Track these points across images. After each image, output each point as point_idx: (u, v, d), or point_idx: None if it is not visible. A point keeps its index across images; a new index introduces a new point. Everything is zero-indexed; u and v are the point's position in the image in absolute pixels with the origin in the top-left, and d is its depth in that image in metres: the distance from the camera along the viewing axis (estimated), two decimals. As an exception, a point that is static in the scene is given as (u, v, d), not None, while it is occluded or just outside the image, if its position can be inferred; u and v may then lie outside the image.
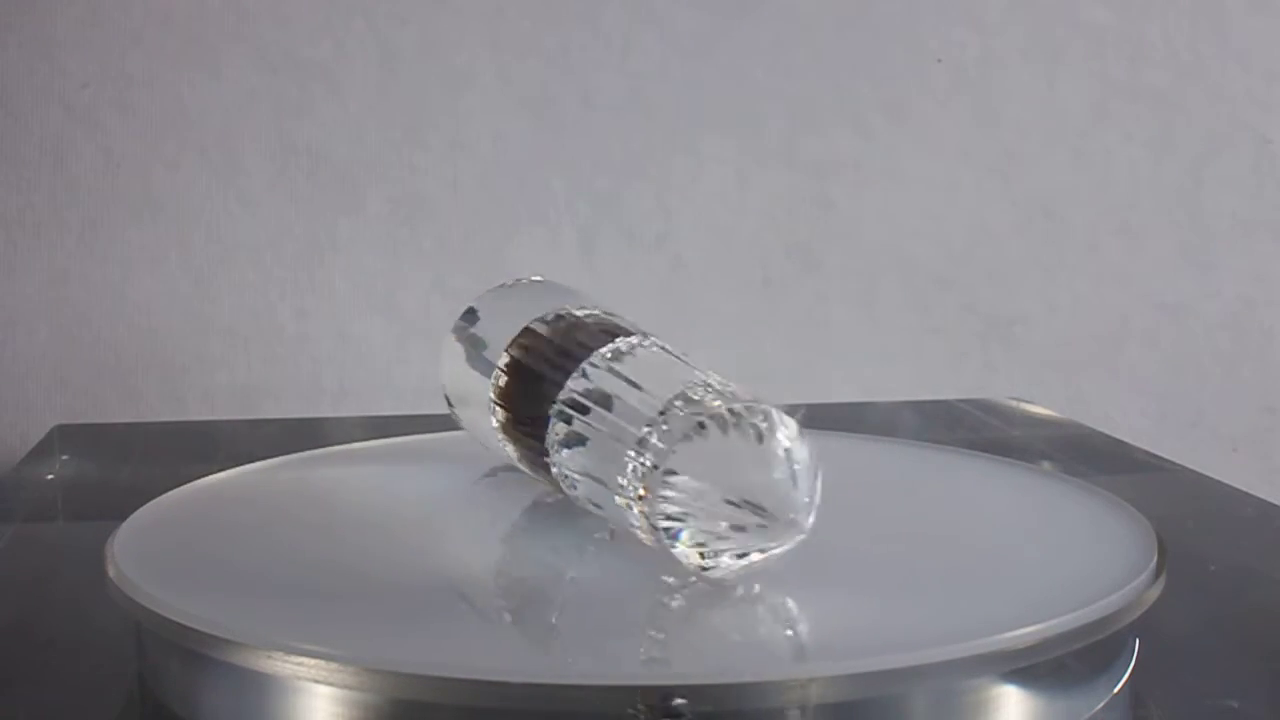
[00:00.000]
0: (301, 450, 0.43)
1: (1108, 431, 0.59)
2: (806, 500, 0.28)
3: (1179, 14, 0.71)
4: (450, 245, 0.68)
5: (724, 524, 0.28)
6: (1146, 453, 0.54)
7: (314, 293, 0.67)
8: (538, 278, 0.40)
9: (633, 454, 0.29)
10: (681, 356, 0.33)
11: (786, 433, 0.29)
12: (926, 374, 0.71)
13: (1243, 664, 0.32)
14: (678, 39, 0.69)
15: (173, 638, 0.27)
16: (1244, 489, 0.48)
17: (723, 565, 0.28)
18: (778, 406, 0.29)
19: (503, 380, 0.36)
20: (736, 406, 0.29)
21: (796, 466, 0.28)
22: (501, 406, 0.36)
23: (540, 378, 0.35)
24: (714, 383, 0.31)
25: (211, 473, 0.40)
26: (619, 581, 0.30)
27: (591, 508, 0.32)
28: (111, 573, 0.30)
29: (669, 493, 0.28)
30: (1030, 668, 0.26)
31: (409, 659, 0.25)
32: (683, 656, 0.26)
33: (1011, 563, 0.32)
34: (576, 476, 0.32)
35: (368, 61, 0.67)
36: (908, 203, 0.71)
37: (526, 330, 0.36)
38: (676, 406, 0.30)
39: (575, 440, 0.32)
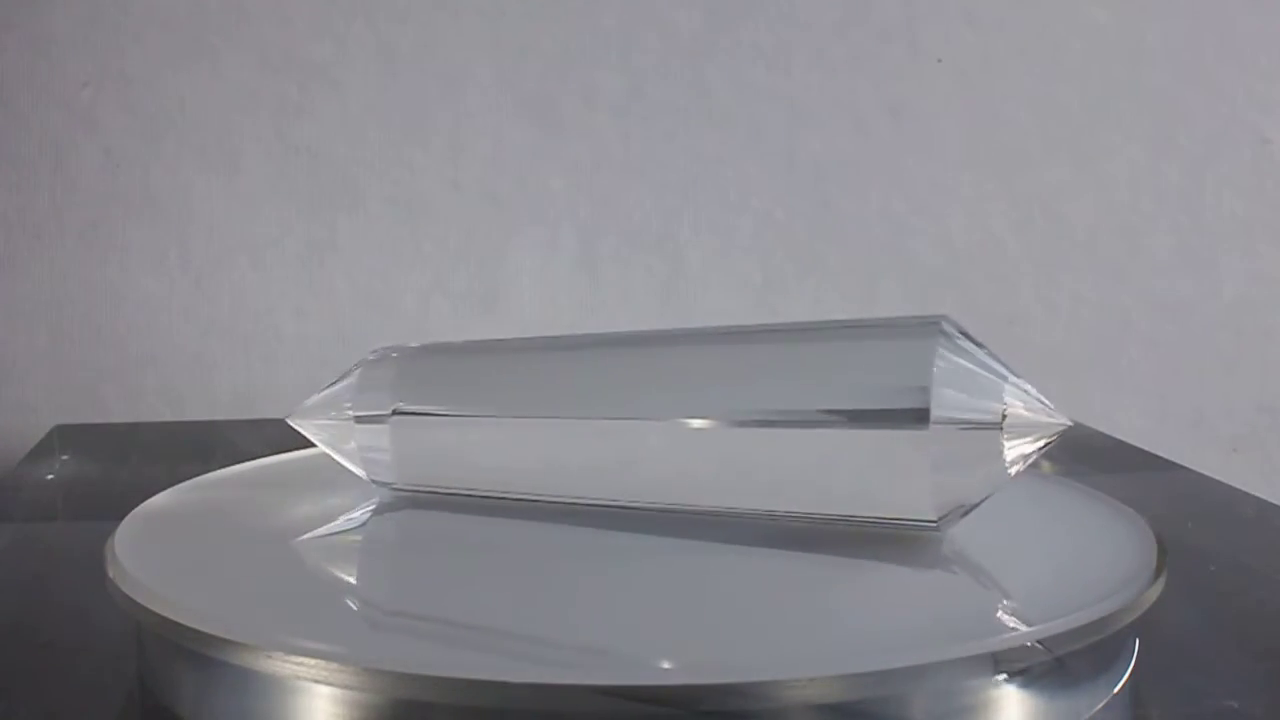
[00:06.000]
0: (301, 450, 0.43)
1: (1108, 431, 0.59)
2: None
3: (1179, 14, 0.71)
4: (450, 245, 0.68)
5: None
6: (1146, 453, 0.54)
7: (314, 293, 0.67)
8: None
9: None
10: None
11: None
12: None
13: (1243, 664, 0.32)
14: (678, 39, 0.69)
15: (173, 638, 0.27)
16: (1244, 489, 0.48)
17: None
18: None
19: None
20: None
21: None
22: None
23: None
24: None
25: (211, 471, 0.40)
26: (618, 581, 0.30)
27: None
28: (111, 573, 0.30)
29: None
30: (1030, 668, 0.26)
31: (409, 659, 0.25)
32: (682, 656, 0.26)
33: (1011, 563, 0.32)
34: None
35: (368, 61, 0.67)
36: (908, 203, 0.71)
37: None
38: None
39: None
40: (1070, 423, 0.29)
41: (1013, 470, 0.29)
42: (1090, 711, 0.28)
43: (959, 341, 0.30)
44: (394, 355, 0.38)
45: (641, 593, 0.30)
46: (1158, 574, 0.29)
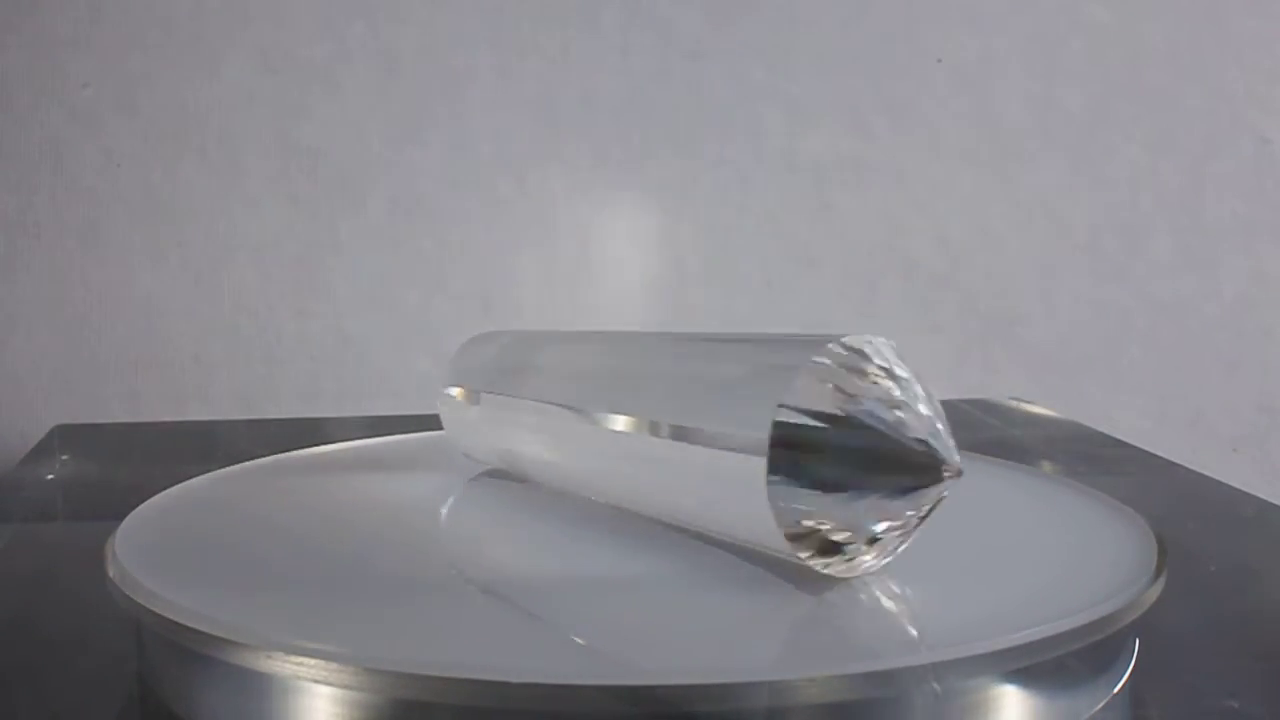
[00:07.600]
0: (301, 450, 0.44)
1: (1108, 431, 0.59)
2: None
3: (1179, 14, 0.71)
4: (450, 245, 0.68)
5: None
6: (1146, 453, 0.54)
7: (314, 293, 0.67)
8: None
9: None
10: None
11: None
12: (927, 374, 0.71)
13: (1243, 664, 0.32)
14: (678, 39, 0.69)
15: (173, 637, 0.27)
16: (1244, 489, 0.48)
17: None
18: None
19: None
20: None
21: None
22: None
23: None
24: None
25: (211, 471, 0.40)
26: (620, 581, 0.30)
27: None
28: (111, 572, 0.30)
29: None
30: (1030, 668, 0.26)
31: (409, 659, 0.25)
32: (682, 656, 0.26)
33: (1011, 563, 0.32)
34: None
35: (368, 61, 0.67)
36: (908, 203, 0.71)
37: None
38: None
39: None
40: (960, 473, 0.26)
41: (886, 509, 0.27)
42: (1090, 711, 0.28)
43: (849, 364, 0.27)
44: (498, 338, 0.41)
45: (644, 593, 0.30)
46: (1158, 574, 0.29)
